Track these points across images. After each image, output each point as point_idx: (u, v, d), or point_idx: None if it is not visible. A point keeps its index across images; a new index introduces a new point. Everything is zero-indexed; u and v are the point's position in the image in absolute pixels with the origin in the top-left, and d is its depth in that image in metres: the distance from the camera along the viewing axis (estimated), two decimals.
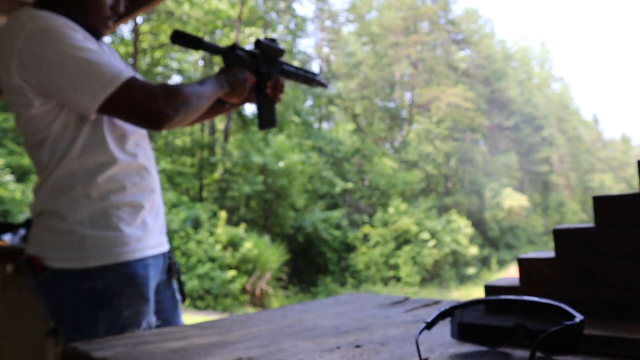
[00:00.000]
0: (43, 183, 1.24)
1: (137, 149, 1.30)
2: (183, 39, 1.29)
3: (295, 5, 29.23)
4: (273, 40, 1.47)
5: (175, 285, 1.43)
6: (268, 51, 1.47)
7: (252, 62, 1.45)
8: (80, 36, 1.18)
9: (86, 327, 1.17)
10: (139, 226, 1.25)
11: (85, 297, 1.17)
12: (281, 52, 1.49)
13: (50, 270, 1.18)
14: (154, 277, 1.29)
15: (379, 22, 28.65)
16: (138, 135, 1.32)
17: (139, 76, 1.24)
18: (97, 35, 1.31)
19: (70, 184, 1.20)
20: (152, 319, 1.28)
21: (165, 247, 1.38)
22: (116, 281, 1.19)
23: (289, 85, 21.01)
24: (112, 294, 1.19)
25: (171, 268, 1.41)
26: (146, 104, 1.16)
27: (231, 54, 1.39)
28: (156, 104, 1.16)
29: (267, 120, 1.47)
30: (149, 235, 1.28)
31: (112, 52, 1.39)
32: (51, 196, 1.21)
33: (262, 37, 1.47)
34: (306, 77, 1.56)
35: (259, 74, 1.44)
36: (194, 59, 19.77)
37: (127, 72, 1.17)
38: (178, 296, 1.43)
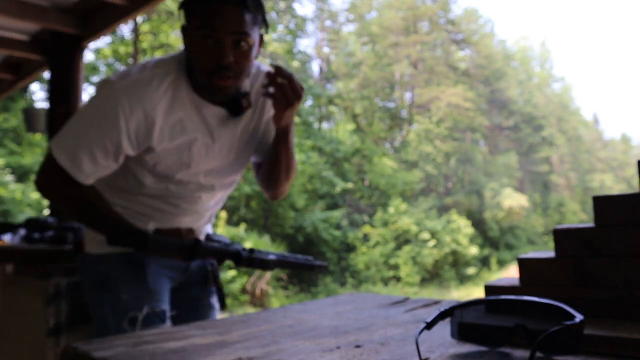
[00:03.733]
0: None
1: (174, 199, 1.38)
2: (201, 253, 1.23)
3: (295, 5, 29.20)
4: (251, 251, 1.33)
5: (213, 289, 1.50)
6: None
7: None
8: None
9: (97, 307, 1.34)
10: (136, 219, 1.34)
11: (95, 280, 1.35)
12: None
13: (84, 253, 1.39)
14: (161, 269, 1.37)
15: (379, 22, 28.64)
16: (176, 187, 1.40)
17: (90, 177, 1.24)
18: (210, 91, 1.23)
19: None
20: (162, 307, 1.33)
21: None
22: (116, 266, 1.32)
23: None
24: (113, 277, 1.32)
25: (208, 274, 1.48)
26: (46, 183, 1.27)
27: (240, 258, 1.29)
28: (50, 189, 1.28)
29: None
30: (146, 228, 1.35)
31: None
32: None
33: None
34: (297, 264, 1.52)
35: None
36: None
37: (81, 165, 1.20)
38: (214, 301, 1.51)
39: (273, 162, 1.39)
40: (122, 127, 1.17)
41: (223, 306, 1.51)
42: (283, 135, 1.34)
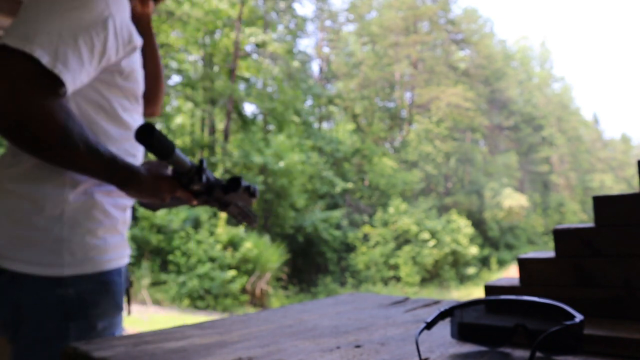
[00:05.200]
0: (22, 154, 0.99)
1: (135, 148, 1.13)
2: (155, 143, 0.95)
3: (295, 5, 29.22)
4: (252, 193, 1.23)
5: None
6: (235, 194, 1.20)
7: (202, 191, 1.17)
8: None
9: (54, 341, 0.98)
10: (119, 233, 1.11)
11: (55, 306, 0.98)
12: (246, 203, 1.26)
13: (8, 272, 0.97)
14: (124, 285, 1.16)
15: (379, 22, 28.65)
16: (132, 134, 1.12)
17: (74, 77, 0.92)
18: None
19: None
20: (123, 330, 1.14)
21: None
22: (91, 289, 1.02)
23: (289, 85, 21.03)
24: (87, 303, 1.01)
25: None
26: (12, 92, 0.85)
27: (196, 172, 1.09)
28: (26, 100, 0.85)
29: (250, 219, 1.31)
30: (125, 243, 1.14)
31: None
32: (32, 175, 0.99)
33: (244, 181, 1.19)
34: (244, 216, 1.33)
35: (196, 195, 1.18)
36: (194, 58, 19.78)
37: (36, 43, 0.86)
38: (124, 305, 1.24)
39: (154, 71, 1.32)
40: (108, 15, 0.96)
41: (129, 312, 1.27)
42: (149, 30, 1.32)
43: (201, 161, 1.10)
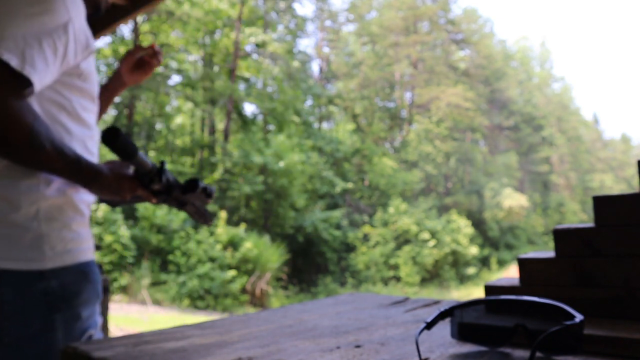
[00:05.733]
0: None
1: (94, 146, 1.18)
2: (119, 145, 1.01)
3: (295, 5, 29.24)
4: (209, 194, 1.28)
5: None
6: (193, 196, 1.26)
7: (162, 191, 1.22)
8: None
9: (41, 335, 0.99)
10: (88, 228, 1.15)
11: (38, 300, 1.00)
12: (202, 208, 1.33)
13: None
14: None
15: (379, 22, 28.66)
16: (95, 131, 1.18)
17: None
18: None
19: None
20: (100, 319, 1.17)
21: None
22: (73, 280, 1.05)
23: (289, 85, 21.03)
24: (70, 294, 1.04)
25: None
26: None
27: (156, 173, 1.15)
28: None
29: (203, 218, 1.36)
30: (92, 238, 1.18)
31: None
32: (5, 175, 1.01)
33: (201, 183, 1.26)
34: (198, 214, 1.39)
35: (155, 195, 1.22)
36: (194, 58, 19.78)
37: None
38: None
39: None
40: (68, 20, 0.99)
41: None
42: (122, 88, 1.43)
43: (162, 163, 1.17)
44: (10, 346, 0.98)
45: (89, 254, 1.13)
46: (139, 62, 1.43)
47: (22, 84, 0.91)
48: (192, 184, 1.23)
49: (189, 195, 1.24)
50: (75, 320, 1.04)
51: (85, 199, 1.14)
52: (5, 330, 0.98)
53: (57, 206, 1.05)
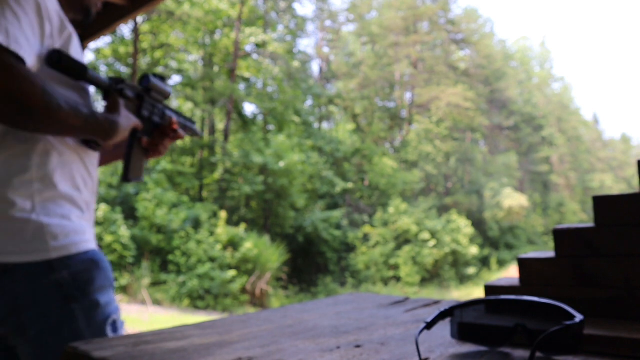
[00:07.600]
0: None
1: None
2: (64, 64, 1.01)
3: (295, 5, 29.23)
4: (162, 78, 1.28)
5: None
6: (155, 91, 1.26)
7: (135, 103, 1.21)
8: None
9: (62, 327, 1.00)
10: (87, 222, 1.15)
11: (53, 292, 1.01)
12: (168, 94, 1.31)
13: (0, 266, 0.98)
14: None
15: (379, 22, 28.66)
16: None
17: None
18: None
19: (25, 163, 1.02)
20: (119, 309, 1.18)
21: None
22: (84, 268, 1.05)
23: (289, 85, 21.02)
24: (83, 282, 1.04)
25: None
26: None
27: (116, 90, 1.14)
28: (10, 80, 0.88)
29: (134, 173, 1.25)
30: (93, 232, 1.17)
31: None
32: (2, 174, 1.01)
33: (151, 72, 1.26)
34: (185, 126, 1.41)
35: (140, 117, 1.23)
36: (194, 58, 19.78)
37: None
38: None
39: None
40: (40, 1, 1.01)
41: None
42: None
43: (119, 78, 1.17)
44: (35, 341, 0.99)
45: (92, 244, 1.12)
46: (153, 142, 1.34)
47: (17, 58, 0.92)
48: (143, 78, 1.24)
49: (153, 94, 1.25)
50: (94, 308, 1.05)
51: (84, 197, 1.13)
52: (26, 325, 0.99)
53: (54, 200, 1.05)
